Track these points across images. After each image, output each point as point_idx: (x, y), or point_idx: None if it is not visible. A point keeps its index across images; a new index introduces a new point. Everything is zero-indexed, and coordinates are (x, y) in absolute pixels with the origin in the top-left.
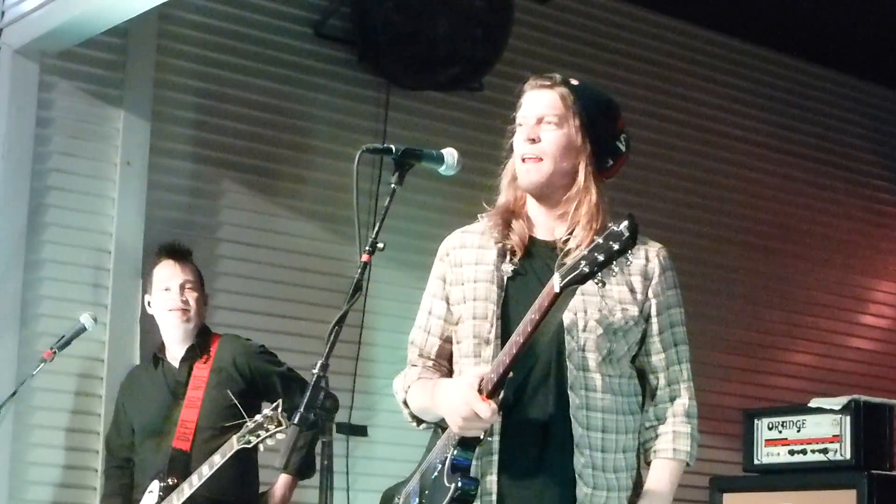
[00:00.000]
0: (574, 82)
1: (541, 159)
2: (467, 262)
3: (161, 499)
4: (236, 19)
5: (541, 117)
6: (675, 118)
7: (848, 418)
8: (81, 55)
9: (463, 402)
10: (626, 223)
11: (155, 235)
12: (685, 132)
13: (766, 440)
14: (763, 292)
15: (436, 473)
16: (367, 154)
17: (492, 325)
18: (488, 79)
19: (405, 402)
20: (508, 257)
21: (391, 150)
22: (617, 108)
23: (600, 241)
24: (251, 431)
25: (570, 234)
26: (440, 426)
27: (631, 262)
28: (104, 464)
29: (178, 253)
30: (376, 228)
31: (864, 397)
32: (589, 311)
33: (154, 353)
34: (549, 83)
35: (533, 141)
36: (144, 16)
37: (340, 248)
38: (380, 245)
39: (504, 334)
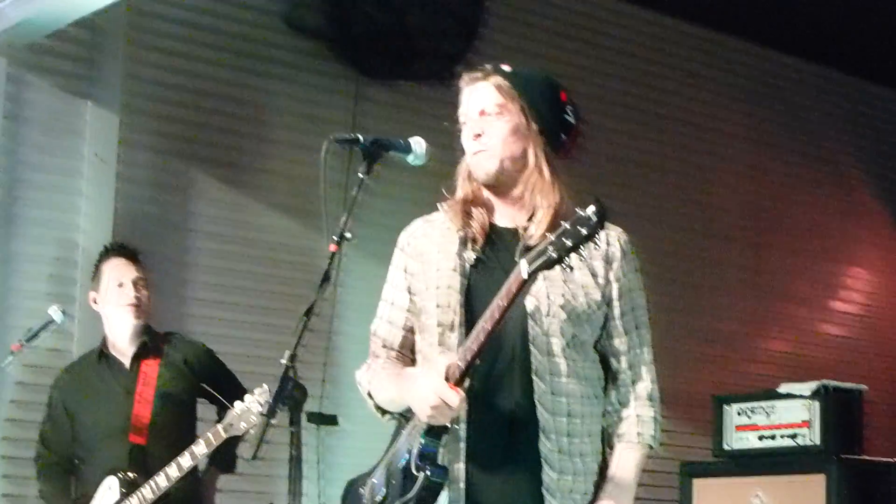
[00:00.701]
0: (506, 68)
1: (486, 150)
2: (429, 251)
3: (124, 494)
4: (206, 11)
5: (481, 111)
6: (647, 109)
7: (817, 404)
8: (50, 49)
9: (431, 390)
10: (593, 208)
11: (124, 229)
12: (657, 123)
13: (735, 426)
14: (735, 280)
15: (402, 462)
16: (336, 145)
17: (456, 313)
18: (461, 70)
19: (370, 394)
20: (470, 245)
21: (359, 139)
22: (556, 83)
23: (568, 226)
24: (238, 419)
25: (530, 219)
26: (405, 416)
27: (598, 247)
28: (39, 461)
29: (129, 251)
30: (344, 219)
31: (833, 382)
32: (552, 296)
33: (100, 349)
34: (481, 75)
35: (478, 136)
36: (113, 9)
37: (311, 239)
38: (348, 235)
39: (468, 322)
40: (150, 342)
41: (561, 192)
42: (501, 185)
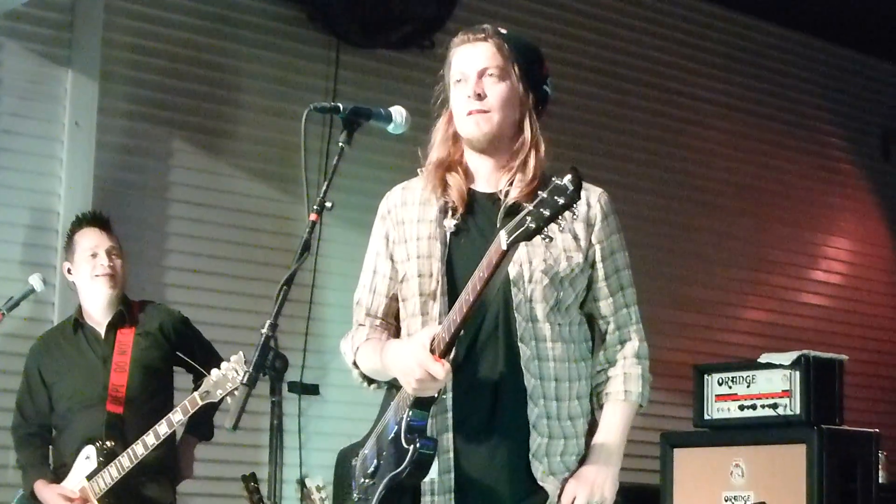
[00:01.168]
0: (504, 32)
1: (486, 111)
2: (409, 220)
3: (102, 463)
4: None
5: (482, 71)
6: (627, 76)
7: (797, 373)
8: (28, 15)
9: (416, 362)
10: (569, 177)
11: (103, 196)
12: (638, 90)
13: (716, 395)
14: (715, 249)
15: (392, 434)
16: (316, 113)
17: (437, 282)
18: (440, 36)
19: (355, 364)
20: (450, 213)
21: (339, 108)
22: (541, 54)
23: (545, 195)
24: (214, 386)
25: (511, 184)
26: (394, 385)
27: (576, 214)
28: (17, 431)
29: (102, 220)
30: (324, 188)
31: (813, 352)
32: (534, 261)
33: (75, 318)
34: (482, 35)
35: (479, 96)
36: None
37: (291, 207)
38: (328, 204)
39: (450, 290)
40: (126, 311)
41: (544, 159)
42: (493, 149)
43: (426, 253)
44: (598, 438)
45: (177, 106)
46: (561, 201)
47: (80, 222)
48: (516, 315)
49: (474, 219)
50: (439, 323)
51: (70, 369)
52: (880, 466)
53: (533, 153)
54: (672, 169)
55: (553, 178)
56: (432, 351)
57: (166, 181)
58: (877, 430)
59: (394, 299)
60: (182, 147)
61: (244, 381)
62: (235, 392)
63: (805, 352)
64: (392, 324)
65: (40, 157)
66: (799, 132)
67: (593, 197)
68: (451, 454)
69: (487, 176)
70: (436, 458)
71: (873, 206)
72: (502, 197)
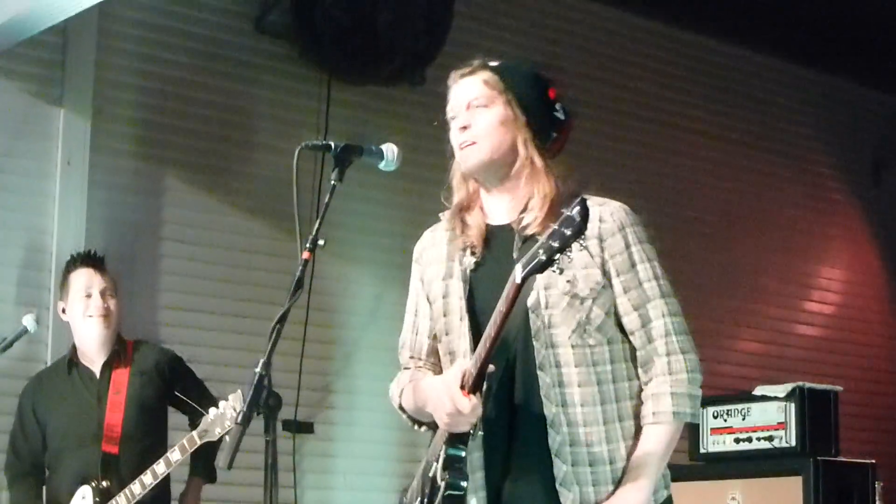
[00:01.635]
0: (494, 63)
1: (475, 143)
2: (435, 261)
3: (98, 503)
4: (176, 16)
5: (468, 103)
6: (618, 108)
7: (792, 405)
8: (21, 54)
9: (447, 398)
10: (577, 208)
11: (96, 234)
12: (629, 122)
13: (711, 429)
14: (708, 280)
15: (432, 472)
16: (308, 151)
17: (461, 320)
18: (430, 72)
19: (401, 407)
20: (469, 250)
21: (330, 146)
22: (545, 79)
23: (555, 227)
24: (212, 424)
25: (524, 212)
26: (436, 426)
27: (584, 243)
28: (9, 469)
29: (96, 260)
30: (316, 225)
31: (808, 384)
32: (551, 286)
33: (69, 357)
34: (469, 70)
35: (465, 128)
36: (84, 13)
37: (284, 244)
38: (320, 242)
39: (473, 327)
40: (121, 350)
41: (554, 182)
42: (492, 177)
43: (450, 292)
44: (630, 463)
45: (169, 144)
46: (568, 232)
47: (75, 262)
48: (535, 343)
49: (492, 253)
50: (468, 359)
51: (64, 408)
52: (877, 497)
53: (536, 177)
54: (663, 199)
55: (563, 210)
56: (462, 386)
57: (159, 219)
58: (873, 460)
59: (435, 339)
60: (174, 185)
61: (238, 420)
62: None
63: (800, 383)
64: (436, 364)
65: (33, 195)
66: (790, 161)
67: (606, 212)
68: (485, 492)
69: (501, 208)
70: (472, 496)
71: (865, 234)
72: (516, 227)
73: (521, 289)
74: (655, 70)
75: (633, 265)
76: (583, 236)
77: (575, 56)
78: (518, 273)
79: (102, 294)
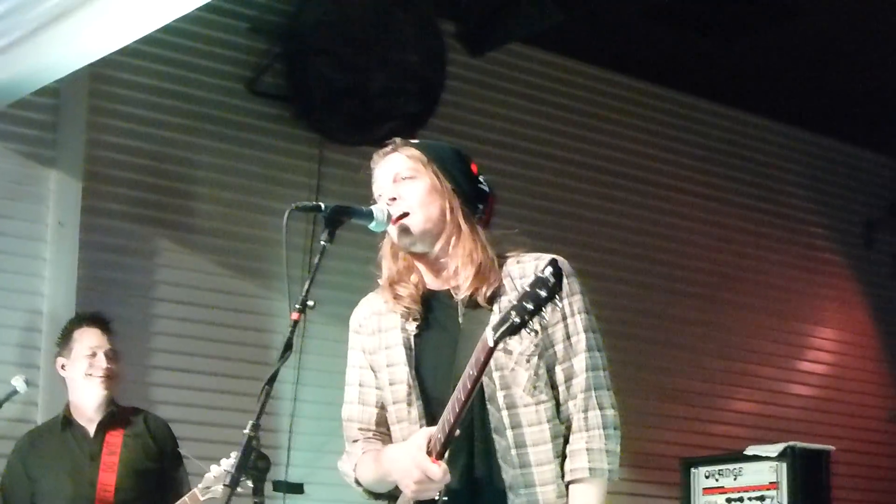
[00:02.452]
0: (414, 141)
1: (408, 213)
2: (376, 330)
3: None
4: (169, 77)
5: (394, 176)
6: (612, 169)
7: (784, 465)
8: (13, 116)
9: (413, 465)
10: (549, 269)
11: (88, 296)
12: (623, 183)
13: (703, 489)
14: (701, 340)
15: None
16: (298, 211)
17: (410, 387)
18: (423, 133)
19: (357, 482)
20: (411, 317)
21: (321, 207)
22: (464, 154)
23: (527, 289)
24: (215, 481)
25: (458, 279)
26: (393, 497)
27: (522, 284)
28: None
29: (104, 322)
30: (306, 286)
31: (799, 444)
32: (498, 349)
33: (64, 416)
34: (391, 148)
35: (394, 199)
36: (76, 75)
37: (275, 304)
38: (310, 303)
39: (423, 392)
40: (116, 413)
41: (483, 247)
42: (426, 245)
43: (395, 360)
44: None
45: (161, 205)
46: (543, 294)
47: (81, 320)
48: (489, 406)
49: (434, 316)
50: (420, 426)
51: (57, 466)
52: None
53: (466, 242)
54: (656, 260)
55: (537, 272)
56: (429, 452)
57: (150, 280)
58: None
59: (382, 408)
60: (166, 245)
61: (226, 482)
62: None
63: (792, 443)
64: (386, 433)
65: (24, 257)
66: (782, 222)
67: (541, 265)
68: None
69: (436, 274)
70: None
71: (857, 294)
72: (455, 294)
73: (492, 352)
74: (648, 130)
75: (563, 318)
76: (557, 298)
77: (568, 117)
78: (490, 336)
79: (107, 356)
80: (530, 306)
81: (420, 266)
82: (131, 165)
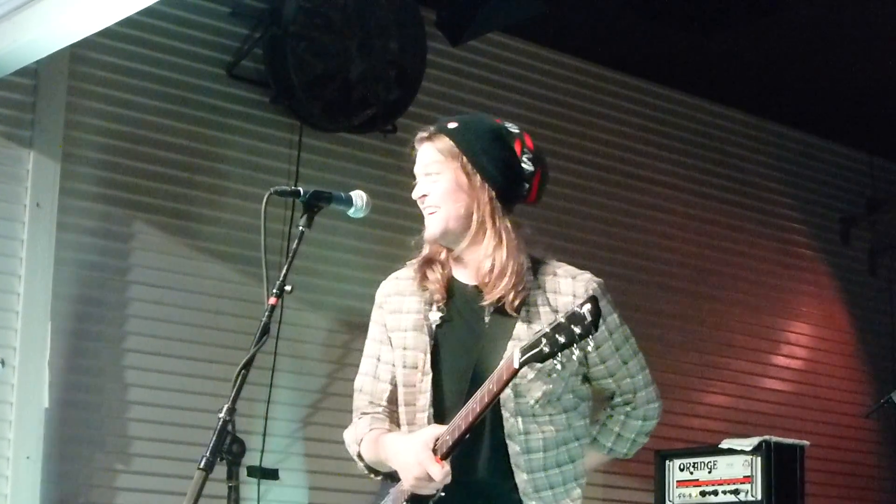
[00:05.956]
0: (452, 125)
1: (435, 211)
2: (398, 311)
3: None
4: (148, 60)
5: (425, 172)
6: (589, 161)
7: (759, 459)
8: None
9: (416, 461)
10: (588, 306)
11: (64, 277)
12: (599, 174)
13: (677, 481)
14: (677, 333)
15: None
16: (277, 197)
17: (424, 374)
18: (402, 121)
19: (359, 455)
20: (435, 304)
21: (299, 192)
22: (507, 132)
23: (563, 320)
24: None
25: (489, 277)
26: (392, 476)
27: (555, 300)
28: None
29: None
30: (284, 271)
31: (774, 438)
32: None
33: None
34: (426, 135)
35: (423, 196)
36: (55, 56)
37: (253, 289)
38: (287, 288)
39: (435, 383)
40: None
41: (513, 248)
42: (451, 242)
43: (412, 345)
44: None
45: (139, 188)
46: (578, 331)
47: None
48: (503, 412)
49: (458, 310)
50: (427, 414)
51: None
52: None
53: (494, 239)
54: (632, 253)
55: (573, 308)
56: (434, 451)
57: (127, 262)
58: None
59: (396, 385)
60: (144, 229)
61: (200, 465)
62: None
63: (766, 437)
64: (395, 411)
65: (1, 237)
66: (759, 217)
67: (580, 286)
68: None
69: (467, 267)
70: None
71: (833, 290)
72: (484, 291)
73: (516, 373)
74: (626, 123)
75: (611, 334)
76: (591, 337)
77: (546, 108)
78: (516, 358)
79: None
80: (563, 340)
81: (456, 255)
82: (110, 147)
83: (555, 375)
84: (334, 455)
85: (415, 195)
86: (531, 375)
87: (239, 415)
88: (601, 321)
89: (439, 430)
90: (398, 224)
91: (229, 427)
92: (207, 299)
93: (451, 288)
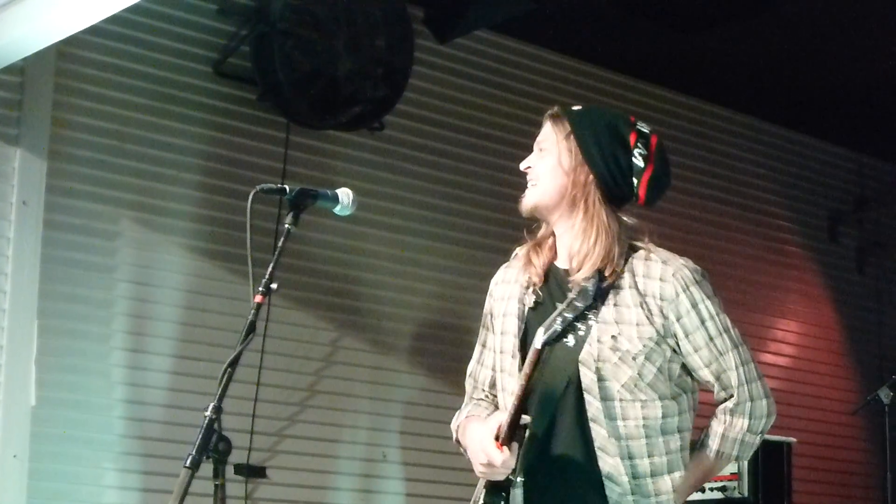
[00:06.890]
0: (575, 108)
1: (534, 184)
2: (503, 298)
3: None
4: (135, 58)
5: (539, 147)
6: None
7: None
8: None
9: (480, 448)
10: (593, 280)
11: (51, 275)
12: None
13: None
14: None
15: None
16: (263, 194)
17: (513, 358)
18: (389, 118)
19: (457, 441)
20: (532, 288)
21: (285, 190)
22: (626, 124)
23: (573, 295)
24: None
25: (580, 259)
26: None
27: (644, 283)
28: None
29: None
30: (270, 269)
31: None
32: (603, 339)
33: None
34: (551, 113)
35: (529, 168)
36: (42, 54)
37: (240, 287)
38: (273, 286)
39: (523, 366)
40: None
41: (606, 233)
42: (547, 219)
43: (508, 329)
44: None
45: (125, 185)
46: (580, 305)
47: None
48: (587, 396)
49: (551, 292)
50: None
51: None
52: None
53: (583, 225)
54: None
55: (581, 283)
56: (497, 437)
57: (113, 261)
58: None
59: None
60: (130, 227)
61: (187, 463)
62: None
63: None
64: (496, 396)
65: None
66: (747, 214)
67: (669, 270)
68: None
69: (564, 251)
70: None
71: (821, 287)
72: (574, 273)
73: (541, 354)
74: None
75: (703, 322)
76: (595, 310)
77: (534, 105)
78: (539, 339)
79: None
80: (570, 316)
81: (558, 239)
82: (96, 145)
83: (641, 360)
84: (321, 453)
85: (522, 166)
86: (614, 359)
87: (226, 413)
88: (692, 308)
89: (501, 416)
90: (384, 222)
91: (215, 425)
92: (194, 297)
93: (549, 272)
